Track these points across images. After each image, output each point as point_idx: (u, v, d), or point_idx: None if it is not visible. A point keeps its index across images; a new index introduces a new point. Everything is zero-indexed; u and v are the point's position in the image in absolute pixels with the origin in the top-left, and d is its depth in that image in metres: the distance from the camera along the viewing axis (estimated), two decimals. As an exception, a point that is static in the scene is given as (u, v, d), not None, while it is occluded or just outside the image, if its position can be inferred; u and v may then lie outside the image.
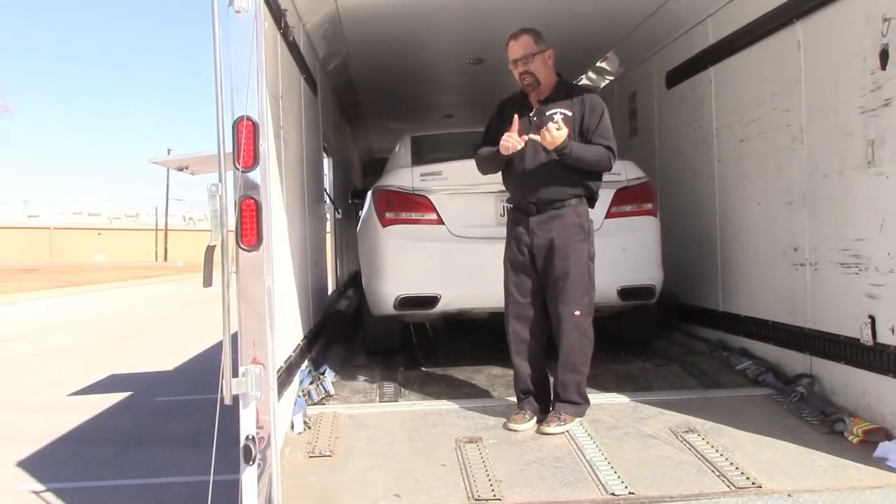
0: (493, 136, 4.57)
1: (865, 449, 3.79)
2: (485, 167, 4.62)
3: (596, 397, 4.59)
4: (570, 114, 4.35)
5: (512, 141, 4.24)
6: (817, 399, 4.50)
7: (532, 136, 4.27)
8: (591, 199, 4.47)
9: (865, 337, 4.14)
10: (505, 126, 4.49)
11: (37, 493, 5.49)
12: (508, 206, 4.61)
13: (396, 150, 6.80)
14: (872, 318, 4.09)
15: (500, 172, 4.61)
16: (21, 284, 30.22)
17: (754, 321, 5.45)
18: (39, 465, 6.16)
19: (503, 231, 4.59)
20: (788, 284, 4.95)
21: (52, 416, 7.83)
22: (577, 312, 4.29)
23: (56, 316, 19.96)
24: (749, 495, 3.37)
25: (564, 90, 4.49)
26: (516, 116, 4.31)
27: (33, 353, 12.80)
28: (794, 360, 4.90)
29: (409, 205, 5.52)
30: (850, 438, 3.92)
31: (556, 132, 4.18)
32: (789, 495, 3.36)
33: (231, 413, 3.27)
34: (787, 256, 4.95)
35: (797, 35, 4.74)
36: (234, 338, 3.33)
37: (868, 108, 4.06)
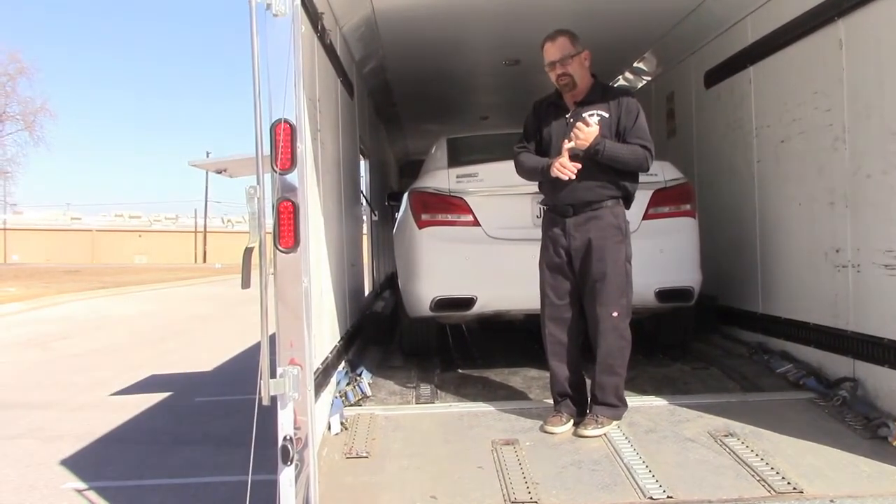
0: (530, 137, 4.58)
1: (910, 454, 3.72)
2: (526, 175, 4.60)
3: (633, 400, 4.55)
4: (606, 115, 4.33)
5: (566, 172, 4.22)
6: (860, 403, 4.42)
7: (566, 144, 4.26)
8: (627, 201, 4.44)
9: (910, 340, 4.06)
10: (541, 127, 4.49)
11: (79, 491, 5.58)
12: (544, 207, 4.60)
13: (432, 151, 6.81)
14: (917, 321, 4.02)
15: None
16: (65, 286, 30.73)
17: (795, 324, 5.37)
18: (82, 463, 6.26)
19: (539, 232, 4.58)
20: (830, 286, 4.87)
21: (94, 416, 7.96)
22: (615, 314, 4.26)
23: (99, 316, 20.28)
24: (790, 500, 3.32)
25: (600, 92, 4.46)
26: (565, 146, 4.28)
27: (76, 353, 13.03)
28: (837, 364, 4.82)
29: (446, 206, 5.53)
30: (894, 444, 3.84)
31: (587, 129, 4.18)
32: (831, 501, 3.31)
33: (269, 414, 3.30)
34: (829, 258, 4.88)
35: (839, 33, 4.66)
36: (272, 339, 3.36)
37: (913, 106, 3.99)
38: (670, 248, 5.46)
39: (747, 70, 5.96)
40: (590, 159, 4.23)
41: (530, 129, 4.61)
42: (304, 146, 3.51)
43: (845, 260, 4.70)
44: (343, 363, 5.21)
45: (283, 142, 3.37)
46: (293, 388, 3.31)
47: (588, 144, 4.20)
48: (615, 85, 8.31)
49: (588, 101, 4.41)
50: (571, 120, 4.36)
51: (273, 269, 3.38)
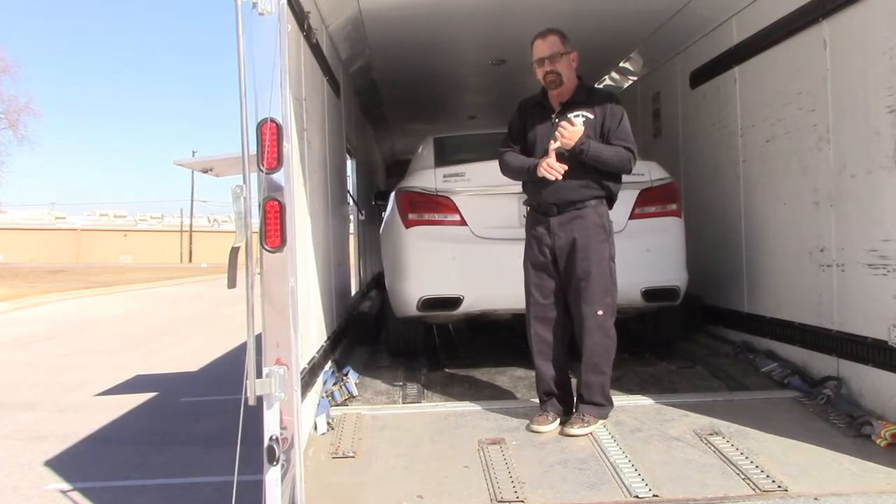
0: (515, 137, 4.60)
1: (894, 452, 3.74)
2: (512, 175, 4.62)
3: (620, 399, 4.57)
4: (591, 117, 4.34)
5: (553, 172, 4.23)
6: (844, 402, 4.45)
7: (552, 144, 4.27)
8: (611, 201, 4.45)
9: (893, 339, 4.09)
10: (526, 127, 4.51)
11: (64, 492, 5.55)
12: (528, 207, 4.60)
13: (419, 151, 6.80)
14: (901, 320, 4.05)
15: None
16: (50, 285, 30.55)
17: (780, 323, 5.40)
18: (66, 464, 6.23)
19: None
20: (815, 286, 4.90)
21: (79, 416, 7.92)
22: (600, 312, 4.27)
23: (84, 316, 20.17)
24: (775, 499, 3.34)
25: (586, 93, 4.48)
26: (551, 146, 4.28)
27: (62, 353, 12.95)
28: (821, 363, 4.85)
29: (432, 206, 5.53)
30: (878, 442, 3.87)
31: (572, 129, 4.21)
32: (816, 499, 3.33)
33: (255, 414, 3.29)
34: (814, 257, 4.90)
35: (823, 34, 4.69)
36: (259, 339, 3.35)
37: (896, 107, 4.02)
38: (656, 247, 5.48)
39: (732, 70, 5.99)
40: (574, 159, 4.24)
41: (515, 128, 4.62)
42: (291, 145, 3.50)
43: (830, 259, 4.73)
44: (330, 363, 5.20)
45: (269, 141, 3.36)
46: (279, 387, 3.31)
47: (573, 144, 4.21)
48: (600, 86, 8.33)
49: (573, 102, 4.42)
50: (557, 120, 4.37)
51: (259, 268, 3.37)
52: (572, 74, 4.45)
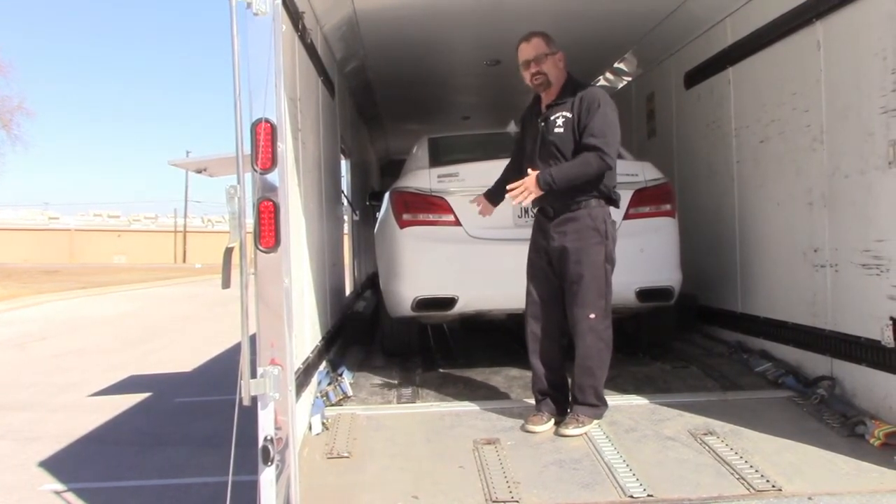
0: (518, 143, 4.74)
1: (887, 452, 3.75)
2: None
3: (614, 399, 4.57)
4: (570, 116, 4.31)
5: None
6: (838, 401, 4.47)
7: (513, 201, 4.40)
8: (610, 200, 4.40)
9: (887, 339, 4.10)
10: (524, 134, 4.64)
11: (58, 493, 5.54)
12: (534, 209, 4.61)
13: (414, 151, 6.80)
14: (894, 320, 4.06)
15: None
16: (43, 286, 30.48)
17: (774, 323, 5.41)
18: (60, 465, 6.21)
19: (520, 232, 4.61)
20: (808, 286, 4.91)
21: (73, 417, 7.90)
22: (592, 316, 4.26)
23: (78, 317, 20.12)
24: (769, 498, 3.35)
25: (570, 91, 4.41)
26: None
27: (55, 354, 12.92)
28: (815, 362, 4.86)
29: (427, 206, 5.53)
30: (871, 441, 3.88)
31: (524, 182, 4.25)
32: (809, 498, 3.34)
33: (250, 414, 3.29)
34: (808, 258, 4.92)
35: (817, 35, 4.70)
36: (253, 339, 3.34)
37: (889, 108, 4.03)
38: (650, 247, 5.48)
39: (726, 71, 6.00)
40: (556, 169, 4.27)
41: (519, 137, 4.73)
42: (285, 146, 3.49)
43: (823, 259, 4.74)
44: (324, 363, 5.20)
45: (263, 141, 3.36)
46: (274, 388, 3.30)
47: (535, 189, 4.23)
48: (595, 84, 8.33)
49: (557, 103, 4.41)
50: (543, 125, 4.39)
51: (253, 268, 3.36)
52: (560, 74, 4.44)
